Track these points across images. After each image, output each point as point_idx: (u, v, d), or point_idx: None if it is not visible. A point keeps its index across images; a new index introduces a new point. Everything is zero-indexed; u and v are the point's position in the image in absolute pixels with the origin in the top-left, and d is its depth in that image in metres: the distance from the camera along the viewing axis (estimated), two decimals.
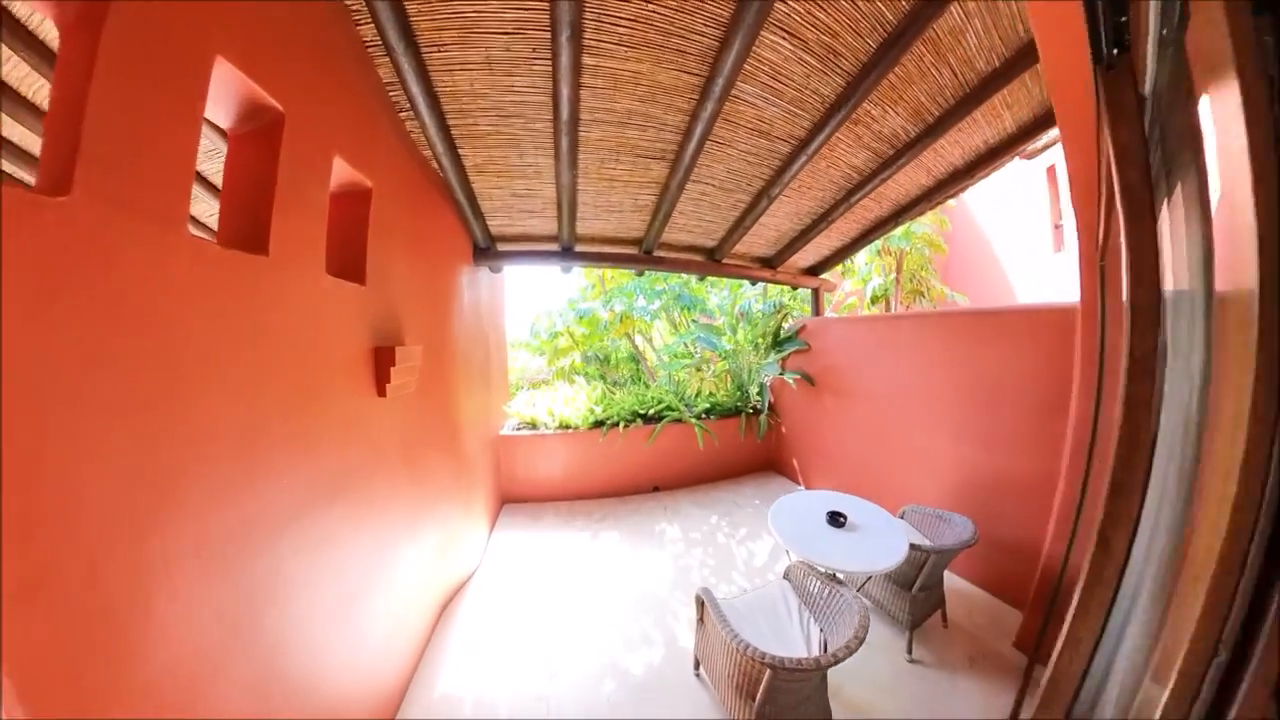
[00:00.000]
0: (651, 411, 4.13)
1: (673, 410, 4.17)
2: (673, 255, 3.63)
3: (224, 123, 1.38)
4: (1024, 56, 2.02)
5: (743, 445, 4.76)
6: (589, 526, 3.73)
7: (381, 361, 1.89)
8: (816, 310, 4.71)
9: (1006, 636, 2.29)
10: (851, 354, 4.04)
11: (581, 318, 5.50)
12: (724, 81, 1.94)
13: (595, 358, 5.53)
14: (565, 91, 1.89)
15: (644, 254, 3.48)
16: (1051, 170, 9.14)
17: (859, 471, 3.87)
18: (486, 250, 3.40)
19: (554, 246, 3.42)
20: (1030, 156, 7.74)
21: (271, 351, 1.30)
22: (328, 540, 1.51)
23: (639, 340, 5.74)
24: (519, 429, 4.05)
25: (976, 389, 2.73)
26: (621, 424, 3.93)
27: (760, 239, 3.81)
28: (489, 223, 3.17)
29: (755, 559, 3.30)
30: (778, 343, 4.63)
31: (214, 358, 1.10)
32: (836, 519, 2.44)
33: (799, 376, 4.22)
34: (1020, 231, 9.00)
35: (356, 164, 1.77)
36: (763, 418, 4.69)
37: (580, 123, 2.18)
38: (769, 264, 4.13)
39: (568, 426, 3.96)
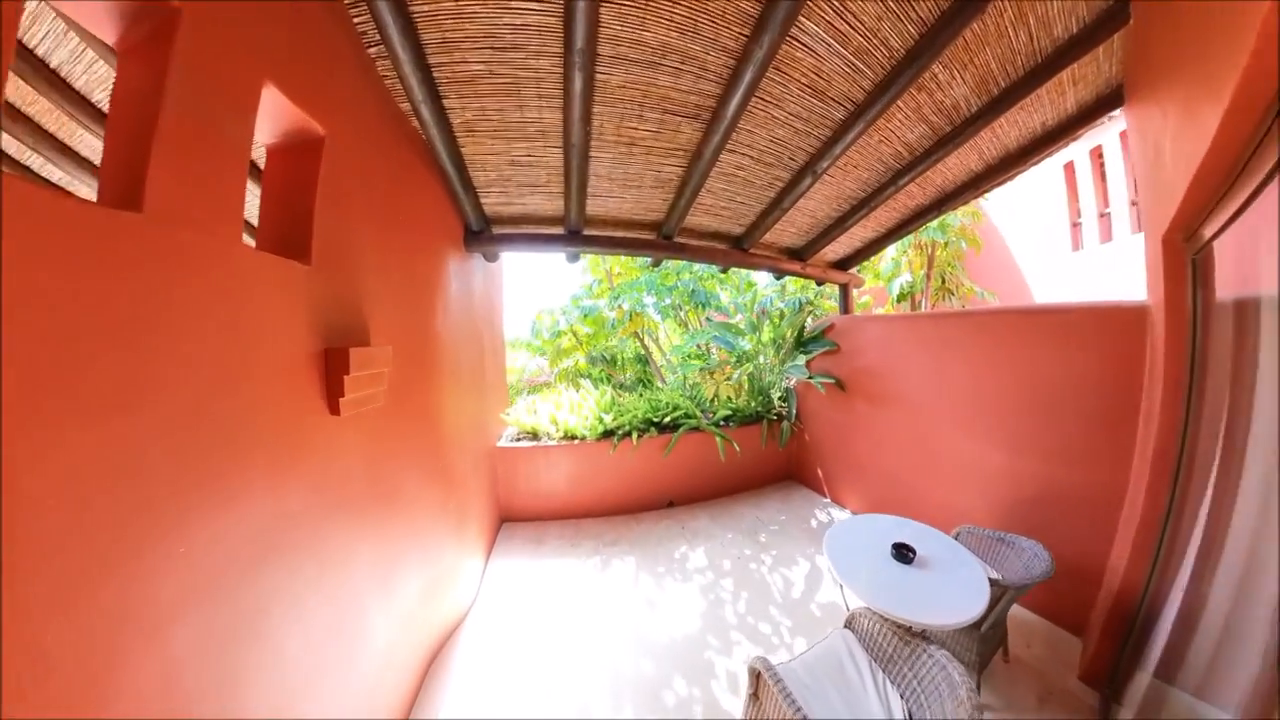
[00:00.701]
0: (666, 419, 3.68)
1: (690, 418, 3.72)
2: (695, 243, 3.14)
3: (108, 34, 0.92)
4: (1108, 21, 1.74)
5: (762, 455, 4.32)
6: (599, 550, 3.25)
7: (334, 368, 1.41)
8: (845, 307, 4.27)
9: (1069, 668, 2.01)
10: (888, 355, 3.60)
11: (586, 316, 5.04)
12: (788, 7, 1.49)
13: (600, 359, 5.08)
14: (581, 4, 1.41)
15: (663, 240, 2.99)
16: (1070, 167, 8.83)
17: (894, 485, 3.42)
18: (480, 234, 2.89)
19: (559, 229, 2.92)
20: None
21: (149, 354, 0.83)
22: (253, 624, 1.03)
23: (648, 340, 5.29)
24: (518, 439, 3.57)
25: (1034, 395, 2.41)
26: (634, 434, 3.48)
27: (791, 227, 3.36)
28: (483, 200, 2.67)
29: (793, 588, 2.85)
30: (802, 343, 4.20)
31: (48, 361, 0.64)
32: (904, 553, 2.00)
33: (829, 380, 3.79)
34: (1036, 230, 8.69)
35: (301, 100, 1.28)
36: (785, 425, 4.25)
37: (599, 59, 1.70)
38: (798, 256, 3.69)
39: (573, 437, 3.49)
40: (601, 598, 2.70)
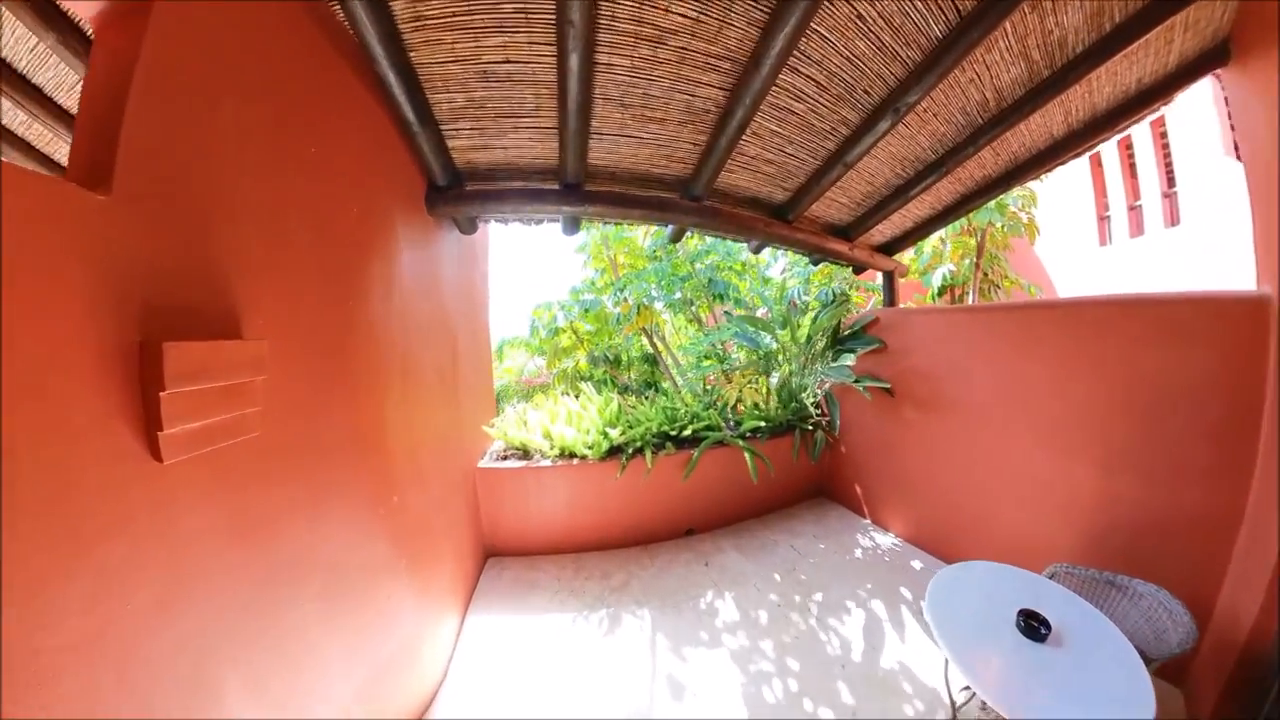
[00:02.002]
0: (685, 432, 2.97)
1: (714, 430, 3.02)
2: (728, 209, 2.39)
3: None
4: None
5: (792, 469, 3.62)
6: (604, 599, 2.51)
7: (149, 376, 0.73)
8: (890, 299, 3.59)
9: None
10: (945, 354, 2.91)
11: (587, 311, 4.35)
12: None
13: (603, 359, 4.39)
14: None
15: (689, 201, 2.24)
16: (1096, 158, 8.26)
17: (950, 507, 2.75)
18: (448, 191, 2.11)
19: (551, 184, 2.14)
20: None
21: None
22: None
23: (657, 339, 4.58)
24: (505, 457, 2.83)
25: (1130, 401, 2.00)
26: (646, 451, 2.76)
27: (843, 196, 2.66)
28: (450, 140, 1.92)
29: (852, 649, 2.15)
30: (839, 340, 3.52)
31: None
32: (1035, 627, 1.42)
33: (879, 385, 3.10)
34: (1059, 224, 8.07)
35: None
36: (819, 435, 3.57)
37: None
38: (844, 235, 3.00)
39: (572, 454, 2.75)
40: (608, 675, 1.97)
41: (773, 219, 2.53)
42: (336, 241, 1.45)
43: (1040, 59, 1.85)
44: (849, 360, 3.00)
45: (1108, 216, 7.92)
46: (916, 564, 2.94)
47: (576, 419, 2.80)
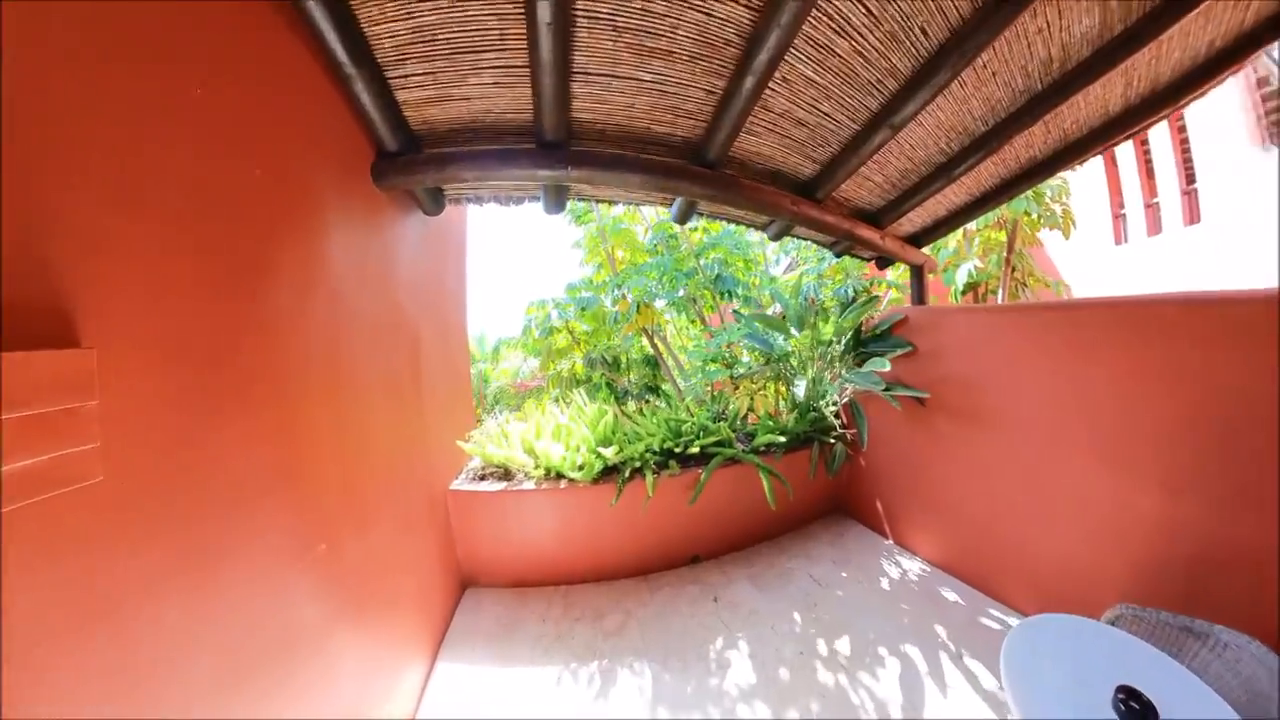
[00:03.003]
0: (693, 448, 2.54)
1: (725, 446, 2.61)
2: (749, 181, 1.93)
3: None
4: None
5: (808, 484, 3.23)
6: (597, 647, 2.08)
7: None
8: (920, 296, 3.19)
9: None
10: (986, 360, 2.48)
11: (584, 310, 3.94)
12: None
13: (601, 361, 3.99)
14: None
15: (702, 167, 1.78)
16: (1110, 155, 7.88)
17: (988, 530, 2.37)
18: (399, 158, 1.66)
19: (527, 143, 1.66)
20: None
21: None
22: None
23: (658, 340, 4.15)
24: (483, 477, 2.39)
25: (1201, 415, 1.68)
26: (647, 472, 2.33)
27: (878, 174, 2.24)
28: (399, 91, 1.48)
29: (889, 709, 1.77)
30: (861, 342, 3.12)
31: None
32: (1135, 710, 1.09)
33: (910, 393, 2.70)
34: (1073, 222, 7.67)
35: None
36: (839, 448, 3.17)
37: None
38: (874, 222, 2.60)
39: (560, 475, 2.31)
40: None
41: (798, 196, 2.08)
42: (227, 213, 1.03)
43: (1117, 4, 1.49)
44: (882, 366, 2.58)
45: (1123, 214, 7.53)
46: (948, 594, 2.53)
47: (565, 434, 2.37)
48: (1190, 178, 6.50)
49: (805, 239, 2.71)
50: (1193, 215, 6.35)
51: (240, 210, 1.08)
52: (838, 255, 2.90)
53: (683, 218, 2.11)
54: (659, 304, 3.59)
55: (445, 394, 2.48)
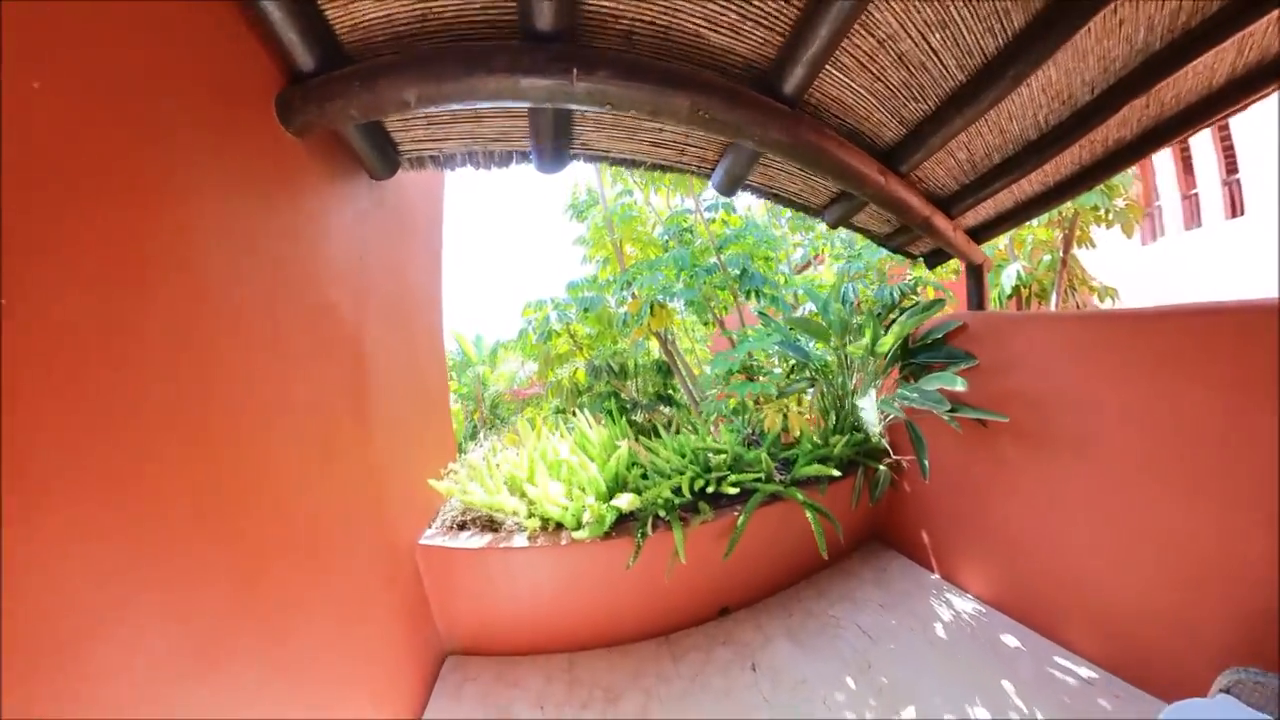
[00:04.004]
0: (725, 485, 2.00)
1: (765, 480, 2.11)
2: (833, 137, 1.39)
3: None
4: None
5: (848, 513, 2.81)
6: None
7: None
8: (979, 300, 2.74)
9: None
10: (1063, 375, 2.05)
11: (587, 311, 3.48)
12: None
13: (606, 368, 3.54)
14: None
15: (776, 99, 1.21)
16: None
17: (1053, 569, 2.06)
18: (315, 79, 1.11)
19: (509, 39, 1.08)
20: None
21: None
22: None
23: (672, 345, 3.65)
24: (462, 525, 1.87)
25: None
26: (675, 524, 1.79)
27: (961, 152, 1.73)
28: None
29: None
30: (909, 351, 2.68)
31: None
32: None
33: (984, 415, 2.24)
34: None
35: None
36: (883, 472, 2.75)
37: None
38: (945, 208, 2.14)
39: (560, 526, 1.77)
40: None
41: (884, 166, 1.57)
42: None
43: None
44: (953, 383, 2.11)
45: (1157, 207, 7.05)
46: (1008, 639, 2.20)
47: (567, 473, 1.84)
48: (1232, 166, 6.05)
49: (859, 229, 2.24)
50: (1235, 207, 5.91)
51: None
52: (893, 250, 2.45)
53: (729, 185, 1.56)
54: (674, 304, 3.13)
55: (411, 420, 1.93)
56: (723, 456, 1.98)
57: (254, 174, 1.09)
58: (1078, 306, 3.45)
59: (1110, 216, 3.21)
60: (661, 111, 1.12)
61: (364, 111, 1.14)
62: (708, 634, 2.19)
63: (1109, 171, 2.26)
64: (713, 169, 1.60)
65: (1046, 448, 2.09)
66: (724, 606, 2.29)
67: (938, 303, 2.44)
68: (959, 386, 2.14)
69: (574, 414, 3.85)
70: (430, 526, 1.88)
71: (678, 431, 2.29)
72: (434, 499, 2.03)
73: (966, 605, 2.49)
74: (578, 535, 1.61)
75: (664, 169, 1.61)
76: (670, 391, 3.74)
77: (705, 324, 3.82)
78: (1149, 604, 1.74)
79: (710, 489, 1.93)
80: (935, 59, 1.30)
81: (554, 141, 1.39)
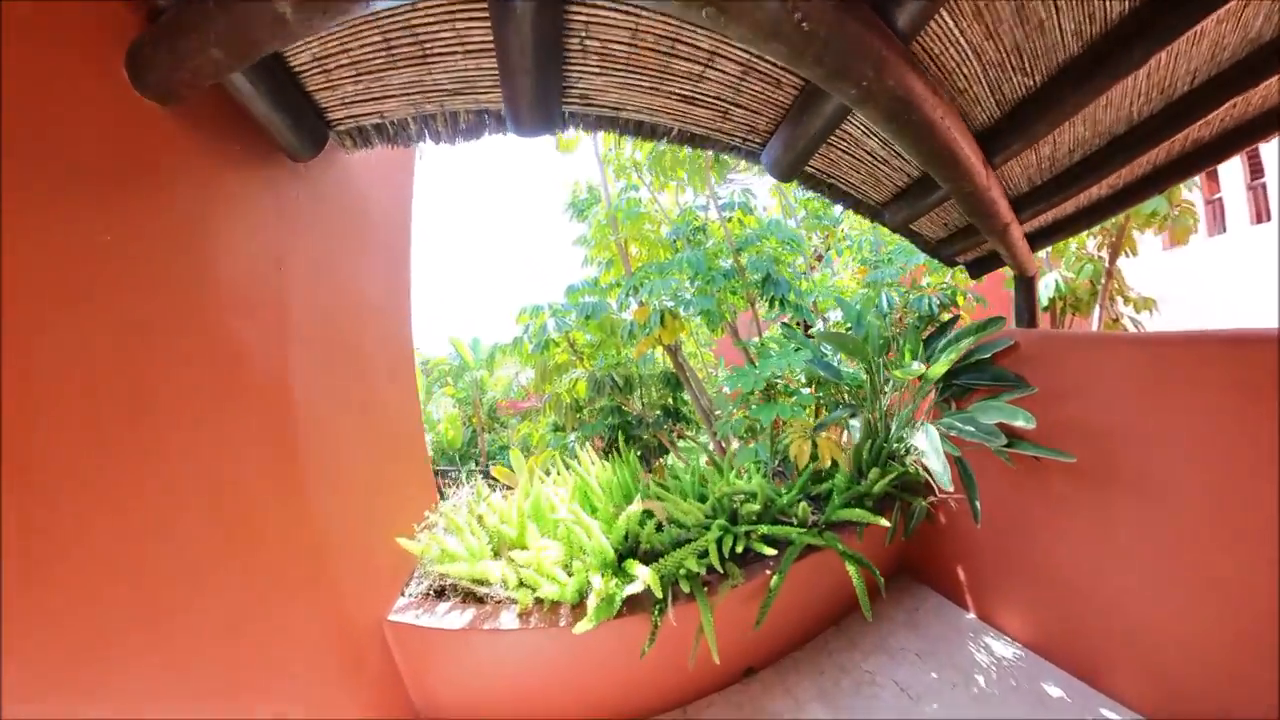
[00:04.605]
0: (757, 542, 1.68)
1: (799, 528, 1.80)
2: (942, 101, 0.95)
3: None
4: None
5: (880, 550, 2.53)
6: None
7: None
8: (1030, 316, 2.45)
9: None
10: (1127, 407, 1.83)
11: (588, 319, 3.17)
12: None
13: (610, 382, 3.23)
14: None
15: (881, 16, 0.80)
16: None
17: (1104, 614, 1.87)
18: (164, 16, 0.75)
19: None
20: None
21: None
22: None
23: (682, 358, 3.31)
24: (440, 592, 1.54)
25: None
26: (698, 596, 1.47)
27: (1047, 146, 1.46)
28: None
29: None
30: (951, 373, 2.40)
31: None
32: None
33: (1045, 454, 1.96)
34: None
35: None
36: (920, 505, 2.48)
37: None
38: (1016, 212, 1.85)
39: (558, 603, 1.44)
40: None
41: (980, 144, 1.24)
42: None
43: None
44: (1016, 418, 1.80)
45: (1175, 213, 6.78)
46: (1051, 689, 2.00)
47: (564, 536, 1.48)
48: (1256, 171, 5.84)
49: (909, 232, 1.94)
50: (1262, 213, 5.70)
51: None
52: (937, 257, 2.16)
53: (789, 166, 1.21)
54: (685, 312, 2.82)
55: (369, 469, 1.55)
56: (753, 506, 1.66)
57: (87, 165, 0.74)
58: (1115, 320, 3.20)
59: (1169, 223, 2.95)
60: (730, 17, 0.69)
61: (231, 49, 0.75)
62: (732, 702, 1.89)
63: (1182, 175, 2.01)
64: (763, 144, 1.23)
65: (1105, 485, 1.89)
66: (749, 667, 2.00)
67: (994, 321, 2.15)
68: (1023, 423, 1.85)
69: (573, 432, 3.52)
70: (403, 594, 1.53)
71: (695, 475, 1.96)
72: (407, 558, 1.65)
73: (1006, 651, 2.31)
74: (580, 628, 1.27)
75: (697, 142, 1.21)
76: (679, 405, 3.44)
77: (714, 331, 3.52)
78: (1207, 657, 1.59)
79: (740, 546, 1.60)
80: (1055, 19, 0.99)
81: (538, 88, 1.00)
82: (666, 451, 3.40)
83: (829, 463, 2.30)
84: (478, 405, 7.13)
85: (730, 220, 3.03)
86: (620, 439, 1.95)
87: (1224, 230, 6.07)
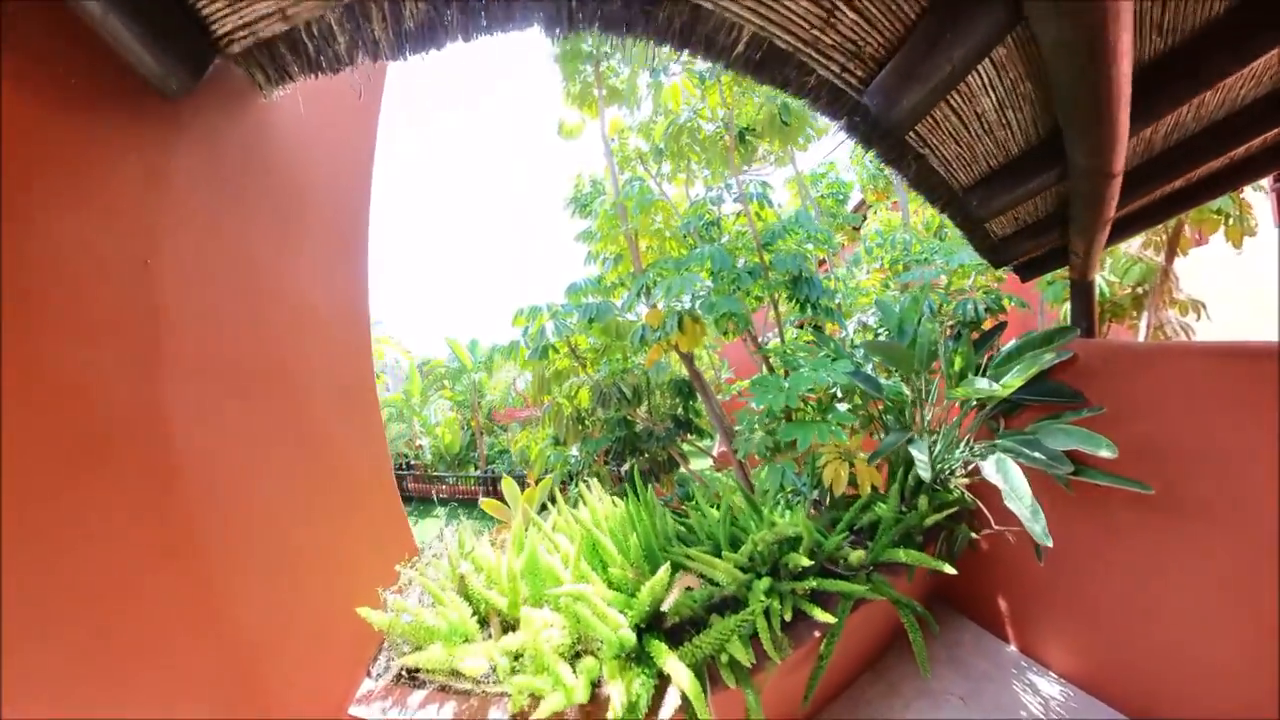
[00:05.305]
0: (807, 604, 1.37)
1: (850, 579, 1.52)
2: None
3: None
4: None
5: (924, 579, 2.30)
6: None
7: None
8: (1089, 325, 2.22)
9: None
10: (1206, 428, 1.63)
11: (592, 322, 2.89)
12: None
13: (616, 393, 2.94)
14: None
15: None
16: None
17: (1172, 658, 1.71)
18: None
19: None
20: None
21: None
22: None
23: (696, 365, 3.00)
24: (413, 675, 1.18)
25: None
26: (745, 687, 1.12)
27: (1169, 118, 1.27)
28: None
29: None
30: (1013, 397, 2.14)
31: None
32: None
33: (1123, 484, 1.72)
34: None
35: None
36: (963, 531, 2.26)
37: None
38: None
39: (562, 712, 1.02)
40: None
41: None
42: None
43: None
44: (1100, 448, 1.54)
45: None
46: None
47: (568, 608, 1.14)
48: None
49: (974, 230, 1.69)
50: None
51: None
52: (990, 256, 1.91)
53: (905, 118, 0.90)
54: (705, 315, 2.54)
55: (314, 525, 1.20)
56: (799, 559, 1.37)
57: None
58: (1159, 327, 3.02)
59: (1230, 222, 2.74)
60: None
61: None
62: None
63: (1265, 170, 1.78)
64: (867, 81, 0.88)
65: (1172, 512, 1.72)
66: None
67: (1064, 331, 1.91)
68: (1105, 451, 1.61)
69: (574, 446, 3.23)
70: (369, 674, 1.23)
71: (726, 516, 1.65)
72: (360, 640, 1.29)
73: (1053, 689, 2.13)
74: (586, 696, 0.98)
75: (772, 69, 0.86)
76: (691, 416, 3.17)
77: (729, 335, 3.26)
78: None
79: (787, 613, 1.30)
80: None
81: None
82: (675, 465, 3.15)
83: (868, 490, 2.06)
84: (476, 408, 6.85)
85: (761, 205, 2.76)
86: (634, 471, 1.63)
87: (1254, 234, 5.88)
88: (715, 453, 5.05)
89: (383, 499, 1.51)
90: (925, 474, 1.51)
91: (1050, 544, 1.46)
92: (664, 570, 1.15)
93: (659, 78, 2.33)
